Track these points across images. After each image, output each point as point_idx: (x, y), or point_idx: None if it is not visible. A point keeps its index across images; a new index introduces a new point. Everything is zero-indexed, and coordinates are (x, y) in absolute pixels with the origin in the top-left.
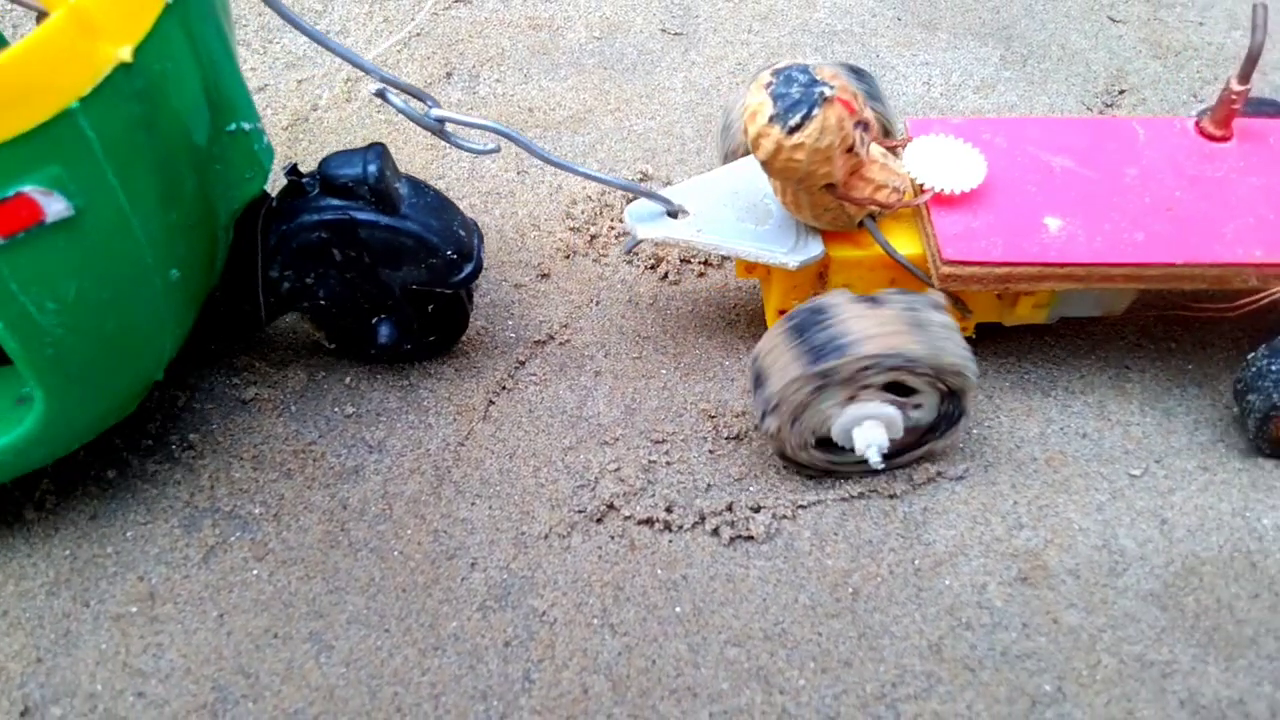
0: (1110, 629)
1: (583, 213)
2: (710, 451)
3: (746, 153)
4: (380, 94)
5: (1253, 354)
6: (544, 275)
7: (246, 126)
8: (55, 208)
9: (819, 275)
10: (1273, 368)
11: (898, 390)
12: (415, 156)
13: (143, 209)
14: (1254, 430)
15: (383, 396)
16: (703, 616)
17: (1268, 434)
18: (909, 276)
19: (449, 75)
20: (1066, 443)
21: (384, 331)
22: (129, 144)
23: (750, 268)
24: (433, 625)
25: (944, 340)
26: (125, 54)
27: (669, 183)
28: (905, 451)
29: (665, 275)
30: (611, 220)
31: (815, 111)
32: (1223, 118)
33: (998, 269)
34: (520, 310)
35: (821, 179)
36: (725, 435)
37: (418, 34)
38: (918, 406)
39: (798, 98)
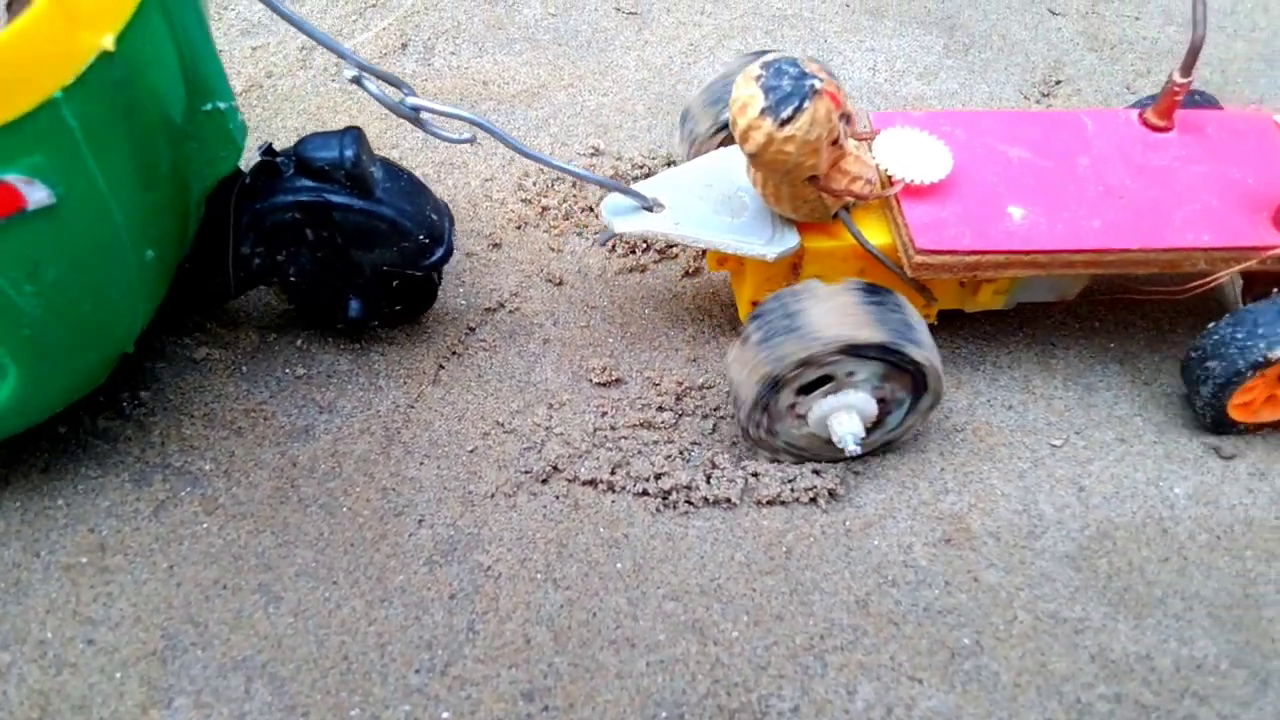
0: (1027, 587)
1: (534, 184)
2: (653, 418)
3: (718, 144)
4: (356, 80)
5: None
6: (495, 245)
7: (222, 105)
8: (37, 196)
9: (793, 266)
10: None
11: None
12: (368, 125)
13: (122, 193)
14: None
15: (333, 359)
16: (642, 572)
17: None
18: (880, 266)
19: (404, 47)
20: (993, 414)
21: (353, 306)
22: (109, 131)
23: (722, 260)
24: (380, 578)
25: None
26: (108, 43)
27: (620, 158)
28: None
29: (614, 248)
30: (563, 194)
31: (806, 104)
32: (1165, 109)
33: (967, 257)
34: (471, 278)
35: (807, 171)
36: (669, 403)
37: (373, 4)
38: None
39: (789, 90)
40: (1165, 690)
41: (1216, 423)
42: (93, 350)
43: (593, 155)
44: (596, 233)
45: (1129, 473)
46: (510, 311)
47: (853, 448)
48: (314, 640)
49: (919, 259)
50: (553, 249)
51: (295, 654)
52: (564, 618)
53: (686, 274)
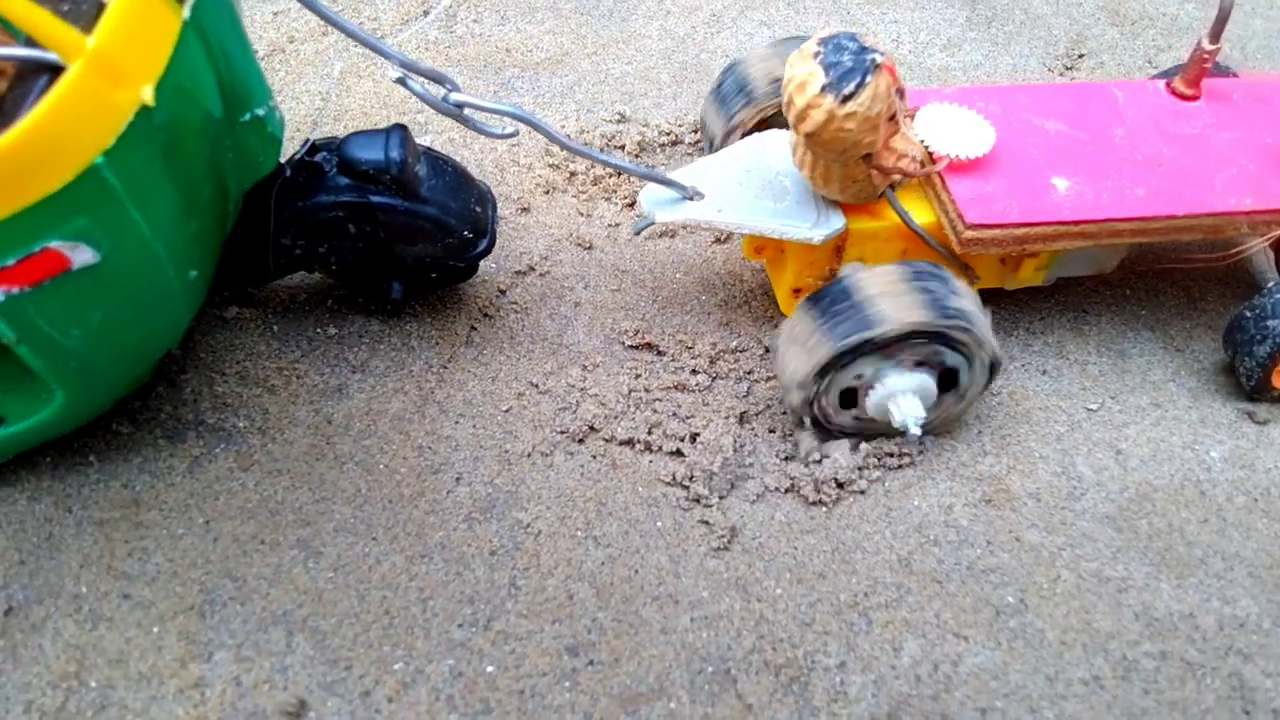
0: (1069, 547)
1: (562, 150)
2: (687, 380)
3: (757, 127)
4: (401, 81)
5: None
6: (524, 209)
7: (260, 112)
8: (82, 257)
9: (836, 249)
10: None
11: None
12: (391, 92)
13: (164, 231)
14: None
15: (365, 319)
16: (682, 530)
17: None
18: (923, 245)
19: (426, 14)
20: (1028, 379)
21: (396, 289)
22: (151, 177)
23: (759, 249)
24: (419, 535)
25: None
26: (147, 95)
27: (646, 125)
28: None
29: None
30: (589, 161)
31: (868, 79)
32: (1194, 77)
33: (1016, 230)
34: (501, 241)
35: (864, 148)
36: (703, 366)
37: None
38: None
39: (850, 65)
40: (1210, 648)
41: (1257, 388)
42: (137, 365)
43: (619, 122)
44: (635, 218)
45: (1165, 436)
46: (541, 275)
47: (914, 430)
48: (355, 595)
49: (969, 234)
50: (581, 213)
51: (336, 608)
52: (606, 574)
53: (717, 240)
